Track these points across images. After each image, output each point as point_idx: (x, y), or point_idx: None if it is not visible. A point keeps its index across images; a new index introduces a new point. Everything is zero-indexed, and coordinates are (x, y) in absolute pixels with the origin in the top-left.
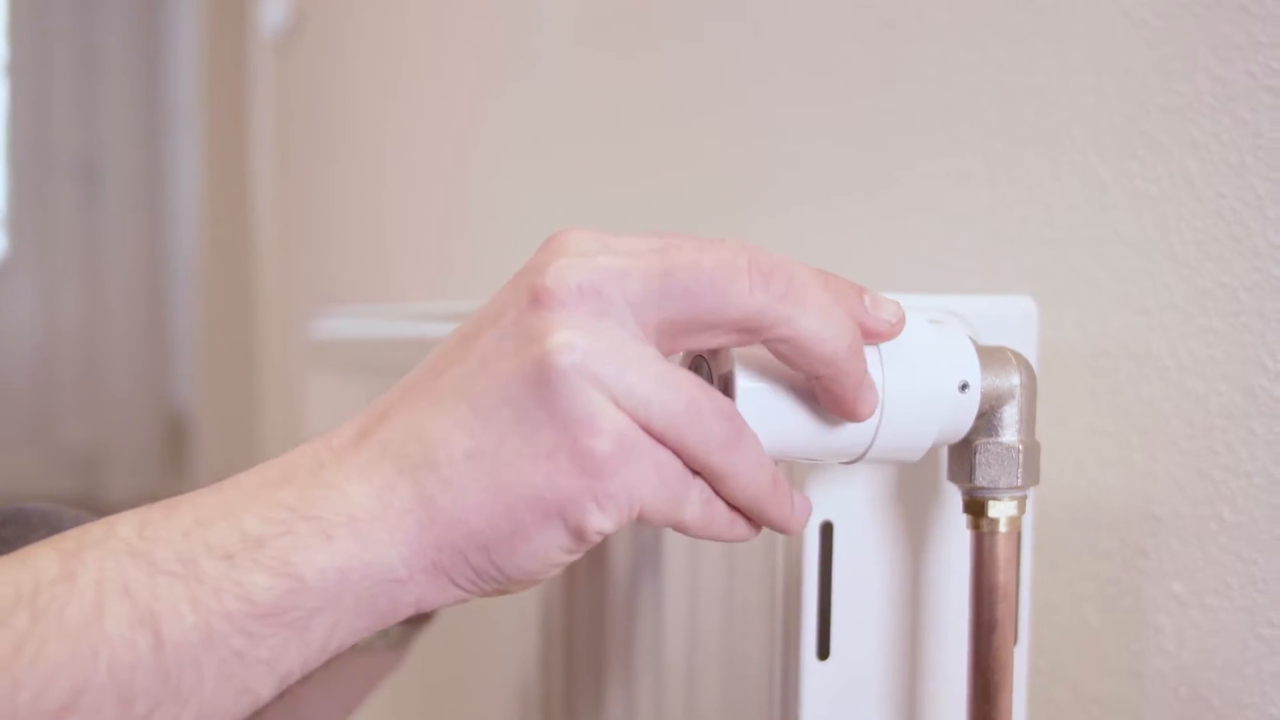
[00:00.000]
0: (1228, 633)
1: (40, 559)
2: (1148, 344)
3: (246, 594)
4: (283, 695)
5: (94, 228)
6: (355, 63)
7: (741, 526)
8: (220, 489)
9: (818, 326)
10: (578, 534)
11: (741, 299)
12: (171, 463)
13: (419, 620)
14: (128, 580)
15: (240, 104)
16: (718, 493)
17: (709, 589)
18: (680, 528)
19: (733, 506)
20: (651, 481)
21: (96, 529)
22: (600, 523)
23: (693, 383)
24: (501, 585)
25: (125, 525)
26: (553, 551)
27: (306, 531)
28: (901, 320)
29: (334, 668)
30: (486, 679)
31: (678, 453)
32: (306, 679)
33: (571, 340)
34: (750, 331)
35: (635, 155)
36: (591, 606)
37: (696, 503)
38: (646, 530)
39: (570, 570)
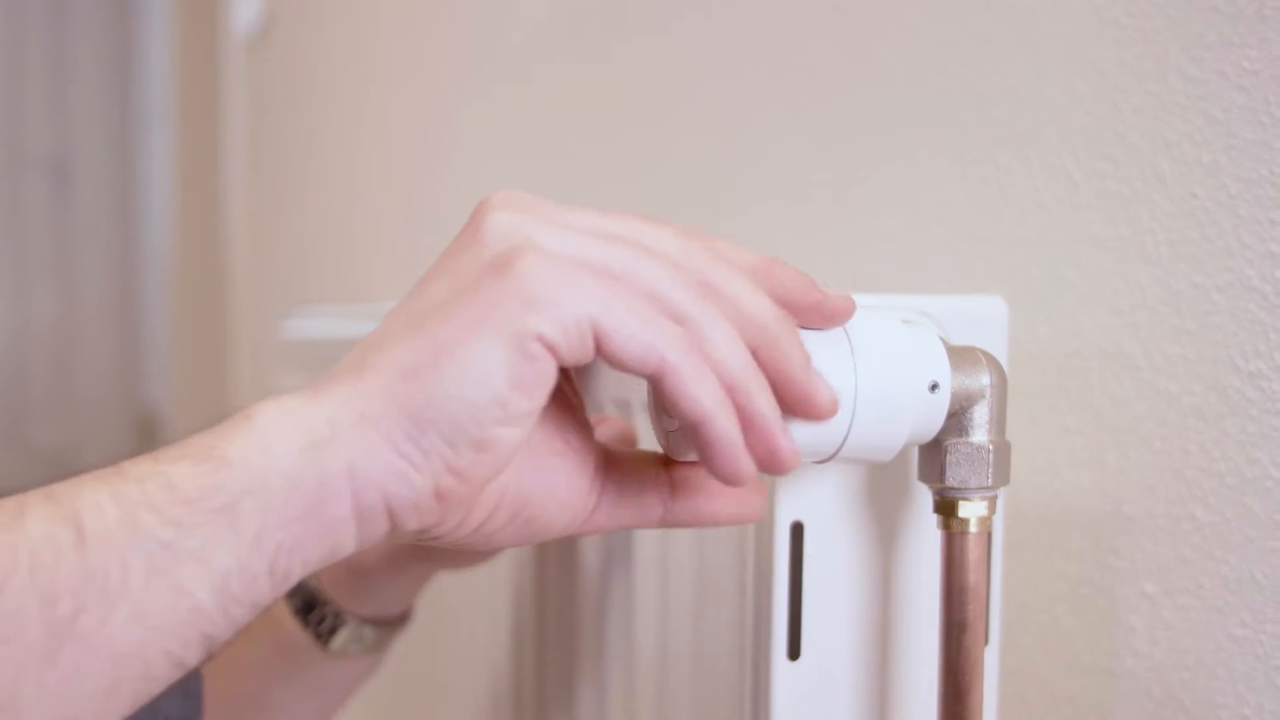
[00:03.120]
0: (1200, 633)
1: None
2: (1120, 344)
3: (170, 482)
4: (259, 703)
5: (65, 227)
6: (327, 63)
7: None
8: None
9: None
10: (515, 340)
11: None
12: None
13: (395, 623)
14: (53, 490)
15: (212, 104)
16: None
17: (680, 588)
18: (662, 375)
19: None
20: (598, 292)
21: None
22: (536, 323)
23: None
24: (448, 442)
25: (74, 483)
26: (493, 371)
27: (231, 423)
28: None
29: (311, 673)
30: (458, 678)
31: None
32: (285, 683)
33: (506, 203)
34: None
35: (605, 155)
36: (562, 606)
37: (677, 345)
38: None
39: (541, 568)
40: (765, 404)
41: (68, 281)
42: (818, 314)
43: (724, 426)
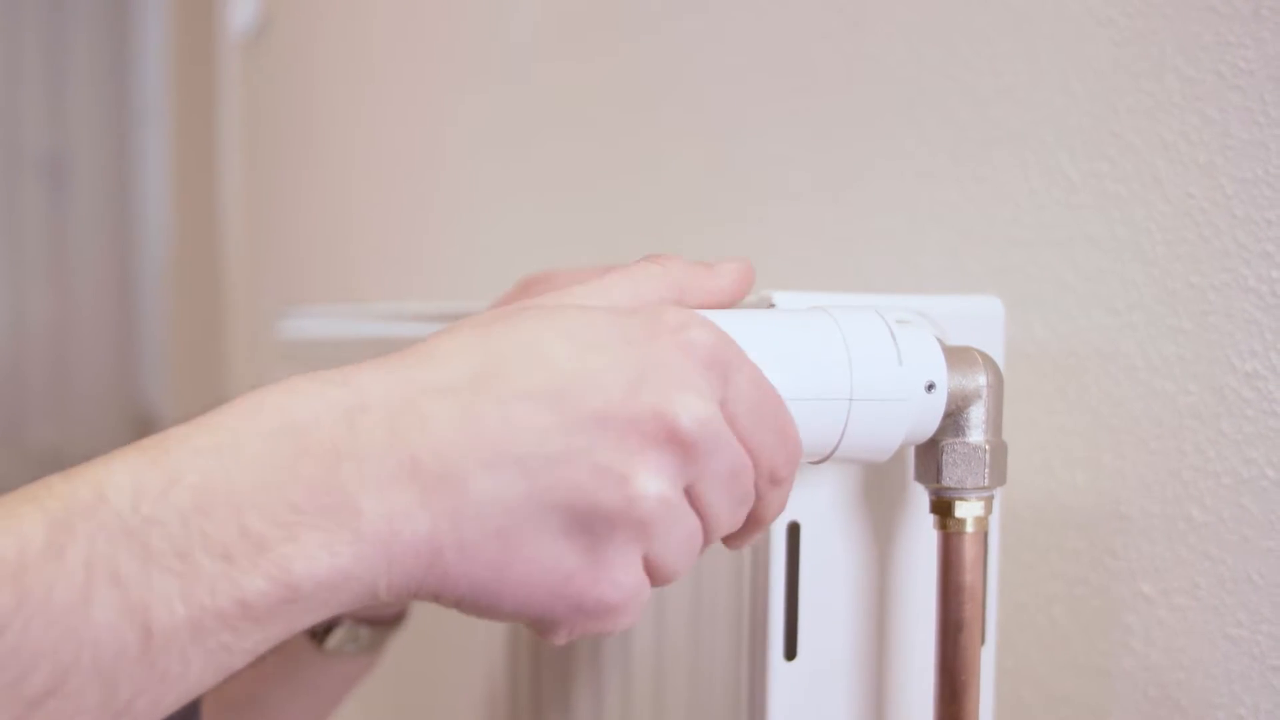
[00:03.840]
0: (1196, 633)
1: (24, 524)
2: (1116, 344)
3: (242, 597)
4: (255, 702)
5: (62, 227)
6: (323, 64)
7: None
8: (221, 453)
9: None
10: (537, 632)
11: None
12: None
13: (391, 623)
14: (119, 566)
15: (208, 104)
16: None
17: (676, 589)
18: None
19: None
20: (624, 624)
21: (85, 491)
22: (557, 640)
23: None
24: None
25: (116, 490)
26: (511, 623)
27: (311, 542)
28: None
29: (307, 673)
30: (454, 679)
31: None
32: (281, 683)
33: (659, 493)
34: None
35: (602, 156)
36: None
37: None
38: None
39: None
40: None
41: (64, 281)
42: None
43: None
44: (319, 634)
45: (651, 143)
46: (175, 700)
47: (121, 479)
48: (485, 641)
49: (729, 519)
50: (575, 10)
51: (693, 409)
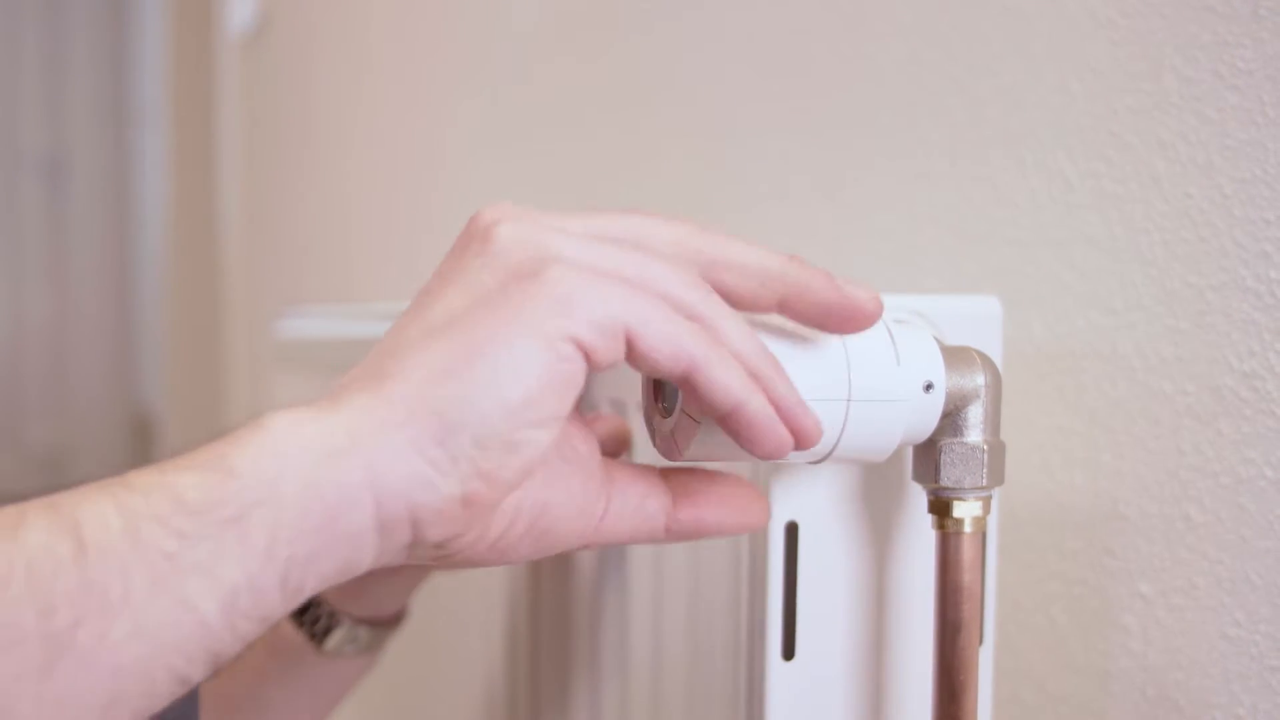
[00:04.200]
0: (1194, 633)
1: None
2: (1114, 344)
3: (176, 493)
4: (253, 703)
5: (60, 227)
6: (322, 63)
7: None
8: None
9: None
10: (549, 342)
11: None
12: (138, 463)
13: (390, 623)
14: (55, 499)
15: (207, 104)
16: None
17: (674, 589)
18: (694, 371)
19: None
20: (625, 297)
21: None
22: (571, 326)
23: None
24: (478, 444)
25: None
26: (527, 371)
27: (242, 432)
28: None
29: (305, 674)
30: (452, 679)
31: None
32: (280, 684)
33: (509, 215)
34: None
35: (598, 155)
36: (557, 606)
37: (702, 341)
38: None
39: (536, 568)
40: (784, 386)
41: (62, 282)
42: (838, 319)
43: (758, 406)
44: (318, 635)
45: (649, 142)
46: (124, 633)
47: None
48: (483, 641)
49: (664, 265)
50: (572, 10)
51: (496, 208)
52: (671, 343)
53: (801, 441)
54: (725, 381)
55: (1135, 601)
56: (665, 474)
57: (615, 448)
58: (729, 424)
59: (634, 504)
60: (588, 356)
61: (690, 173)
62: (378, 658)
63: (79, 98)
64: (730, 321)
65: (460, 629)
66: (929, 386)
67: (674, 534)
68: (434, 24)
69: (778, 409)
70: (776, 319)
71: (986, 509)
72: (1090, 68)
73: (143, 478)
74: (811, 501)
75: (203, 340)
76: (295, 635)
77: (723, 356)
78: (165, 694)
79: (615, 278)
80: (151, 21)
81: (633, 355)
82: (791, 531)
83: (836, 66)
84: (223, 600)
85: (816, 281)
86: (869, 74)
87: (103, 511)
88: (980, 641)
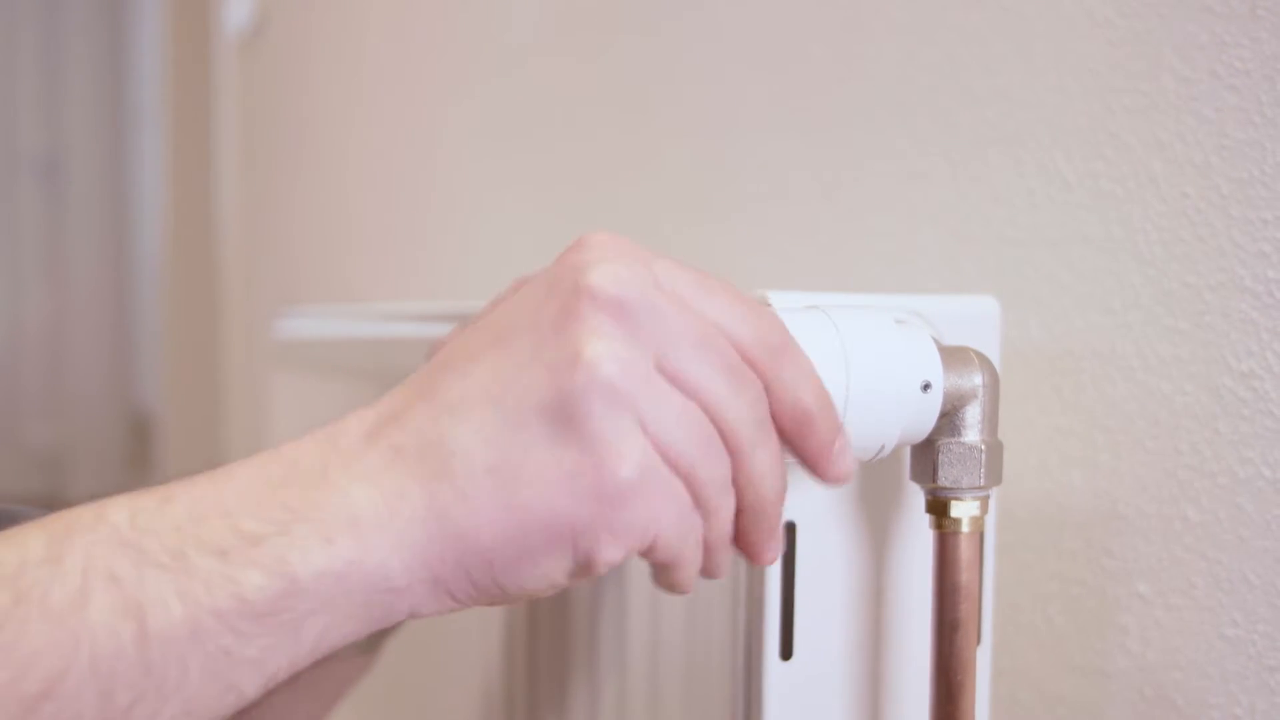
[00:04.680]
0: (1192, 633)
1: (28, 539)
2: (1112, 344)
3: (239, 591)
4: (252, 704)
5: (57, 228)
6: (319, 64)
7: (723, 564)
8: (215, 480)
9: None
10: (586, 563)
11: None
12: (136, 463)
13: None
14: (115, 568)
15: (204, 104)
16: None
17: None
18: (675, 565)
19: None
20: (669, 514)
21: (87, 514)
22: (611, 554)
23: (706, 417)
24: (497, 599)
25: (117, 512)
26: (557, 575)
27: (305, 533)
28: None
29: (303, 675)
30: (449, 677)
31: (688, 485)
32: (279, 684)
33: (611, 352)
34: None
35: (596, 155)
36: (554, 606)
37: (694, 542)
38: None
39: None
40: (775, 519)
41: (60, 282)
42: (813, 468)
43: (685, 579)
44: None
45: (647, 142)
46: (174, 713)
47: (120, 504)
48: (481, 641)
49: (728, 393)
50: (570, 9)
51: (611, 271)
52: (670, 552)
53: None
54: (681, 573)
55: (1133, 601)
56: None
57: None
58: (655, 568)
59: None
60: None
61: (688, 173)
62: (376, 659)
63: (76, 99)
64: (720, 516)
65: (459, 628)
66: (927, 386)
67: None
68: (431, 24)
69: (706, 550)
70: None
71: (984, 509)
72: (1088, 68)
73: (205, 560)
74: (809, 501)
75: (201, 340)
76: None
77: (694, 557)
78: None
79: (673, 480)
80: (149, 23)
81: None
82: (789, 531)
83: (835, 67)
84: (264, 681)
85: (830, 439)
86: (867, 74)
87: (165, 597)
88: (978, 641)
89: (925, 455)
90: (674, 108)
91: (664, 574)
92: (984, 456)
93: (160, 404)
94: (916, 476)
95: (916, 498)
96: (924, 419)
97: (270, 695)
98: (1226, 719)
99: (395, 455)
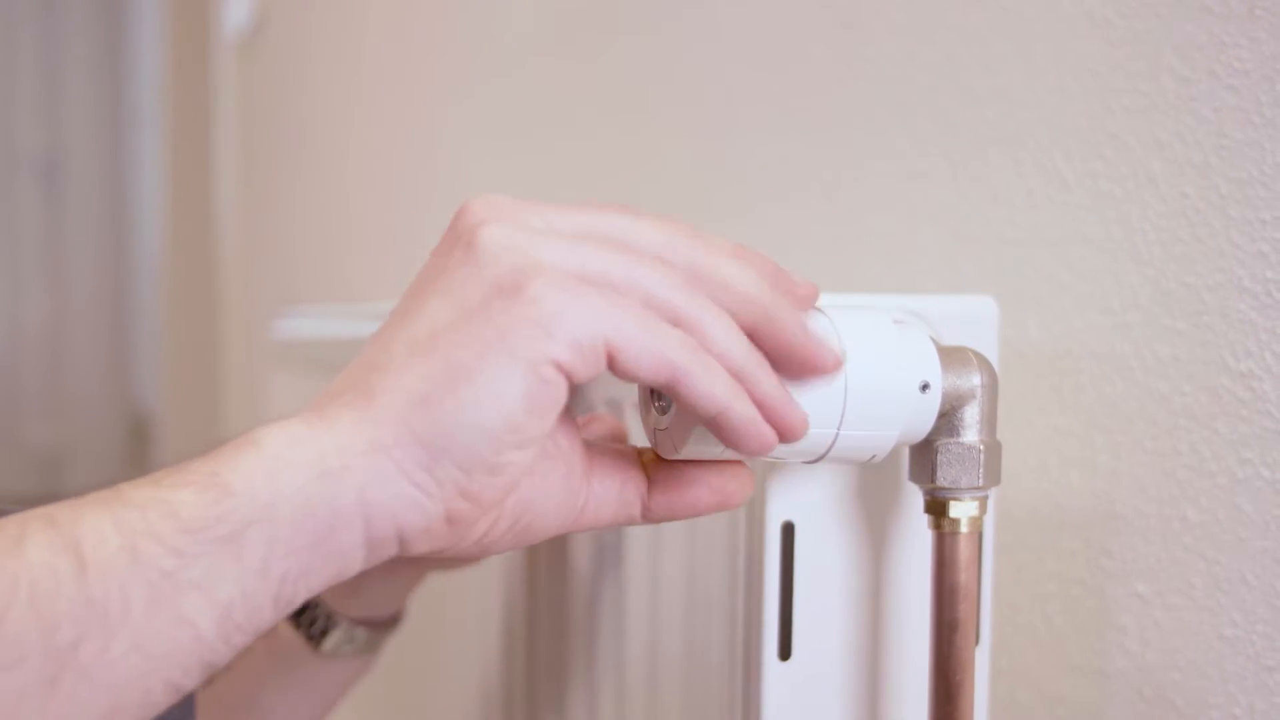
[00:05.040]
0: (1191, 633)
1: None
2: (1111, 344)
3: (172, 510)
4: (251, 705)
5: (56, 228)
6: (318, 64)
7: (774, 395)
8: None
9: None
10: (531, 366)
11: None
12: (135, 462)
13: (387, 624)
14: (52, 514)
15: (203, 105)
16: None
17: (670, 589)
18: (675, 382)
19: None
20: (606, 310)
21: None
22: (552, 347)
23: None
24: (462, 469)
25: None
26: (509, 397)
27: (234, 448)
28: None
29: (303, 675)
30: (449, 679)
31: (612, 286)
32: (277, 685)
33: (494, 214)
34: None
35: (595, 156)
36: (553, 606)
37: (683, 349)
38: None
39: (532, 568)
40: (771, 385)
41: (59, 282)
42: (795, 365)
43: (741, 411)
44: (315, 636)
45: (647, 142)
46: (123, 649)
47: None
48: (480, 641)
49: (632, 234)
50: (569, 9)
51: (483, 205)
52: (652, 355)
53: (787, 436)
54: (708, 389)
55: (1132, 601)
56: (642, 457)
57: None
58: (714, 428)
59: (614, 492)
60: (569, 376)
61: (688, 173)
62: (375, 659)
63: (75, 99)
64: (716, 323)
65: (457, 630)
66: (925, 386)
67: (650, 518)
68: (431, 24)
69: (763, 407)
70: None
71: (983, 509)
72: (1087, 68)
73: (139, 492)
74: (808, 501)
75: (199, 340)
76: (293, 637)
77: (705, 364)
78: (161, 704)
79: (598, 286)
80: (148, 23)
81: (614, 368)
82: (788, 531)
83: (834, 67)
84: (218, 615)
85: (792, 323)
86: (866, 74)
87: (101, 528)
88: (976, 641)
89: (924, 455)
90: (674, 108)
91: (707, 412)
92: (982, 457)
93: (159, 403)
94: (915, 477)
95: (915, 498)
96: (923, 419)
97: (267, 696)
98: (1225, 719)
99: (328, 402)
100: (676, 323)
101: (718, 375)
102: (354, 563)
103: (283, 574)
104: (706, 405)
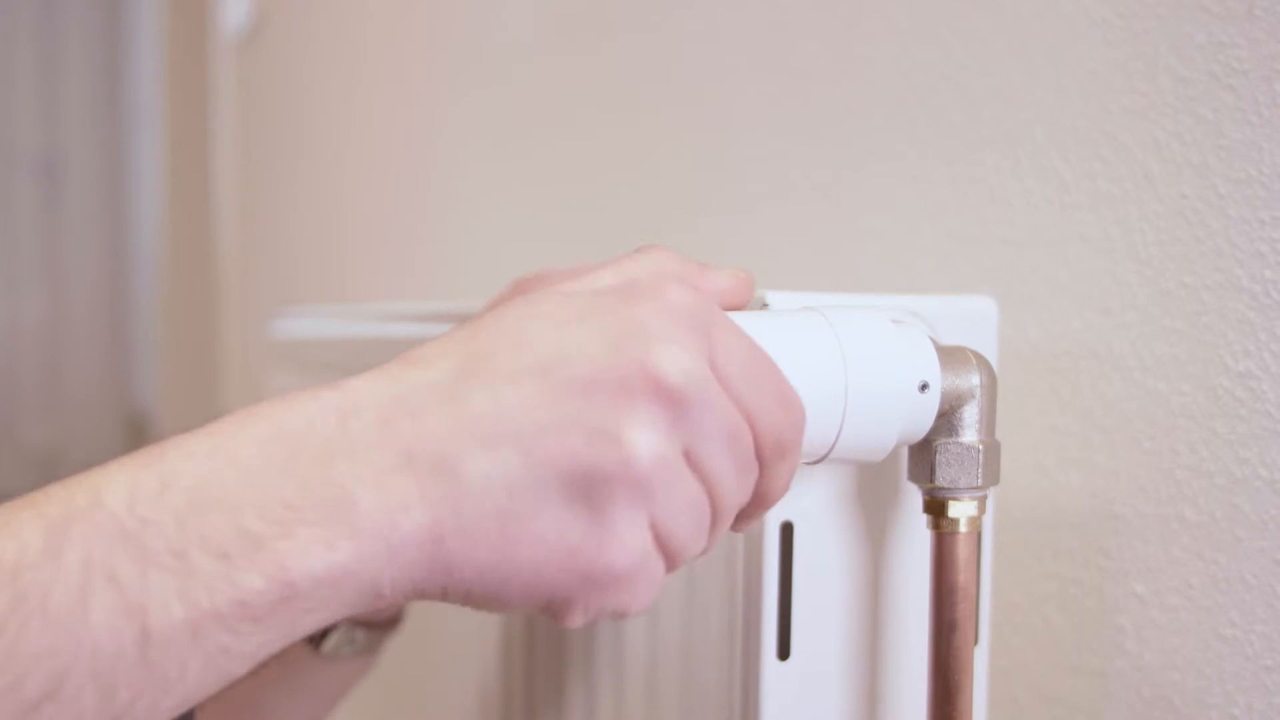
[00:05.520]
0: (1189, 633)
1: (23, 528)
2: (1110, 344)
3: (240, 595)
4: (251, 706)
5: (55, 227)
6: (316, 63)
7: None
8: (215, 458)
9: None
10: (552, 617)
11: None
12: None
13: (388, 626)
14: (116, 567)
15: (202, 104)
16: None
17: (670, 589)
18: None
19: None
20: (645, 597)
21: (81, 495)
22: (574, 622)
23: (708, 503)
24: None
25: (113, 494)
26: (519, 613)
27: (307, 538)
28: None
29: (303, 676)
30: (446, 678)
31: (669, 566)
32: (277, 686)
33: (653, 447)
34: None
35: (593, 155)
36: None
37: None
38: None
39: None
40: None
41: (57, 281)
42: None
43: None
44: (315, 637)
45: (643, 142)
46: (173, 705)
47: (118, 483)
48: (479, 642)
49: (734, 486)
50: (567, 9)
51: (678, 360)
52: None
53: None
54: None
55: (1130, 601)
56: None
57: None
58: None
59: None
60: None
61: (685, 173)
62: (375, 660)
63: (74, 98)
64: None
65: (456, 630)
66: (924, 387)
67: None
68: (429, 24)
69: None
70: (776, 317)
71: (982, 509)
72: (1085, 68)
73: (206, 563)
74: (807, 501)
75: (198, 340)
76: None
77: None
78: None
79: (663, 559)
80: (146, 22)
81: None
82: (787, 531)
83: (832, 67)
84: (254, 663)
85: (775, 497)
86: (864, 74)
87: (166, 598)
88: (975, 641)
89: (923, 455)
90: (672, 107)
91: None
92: (981, 456)
93: (157, 403)
94: (914, 477)
95: (914, 498)
96: (922, 419)
97: (267, 696)
98: (1223, 718)
99: (407, 462)
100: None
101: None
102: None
103: (312, 628)
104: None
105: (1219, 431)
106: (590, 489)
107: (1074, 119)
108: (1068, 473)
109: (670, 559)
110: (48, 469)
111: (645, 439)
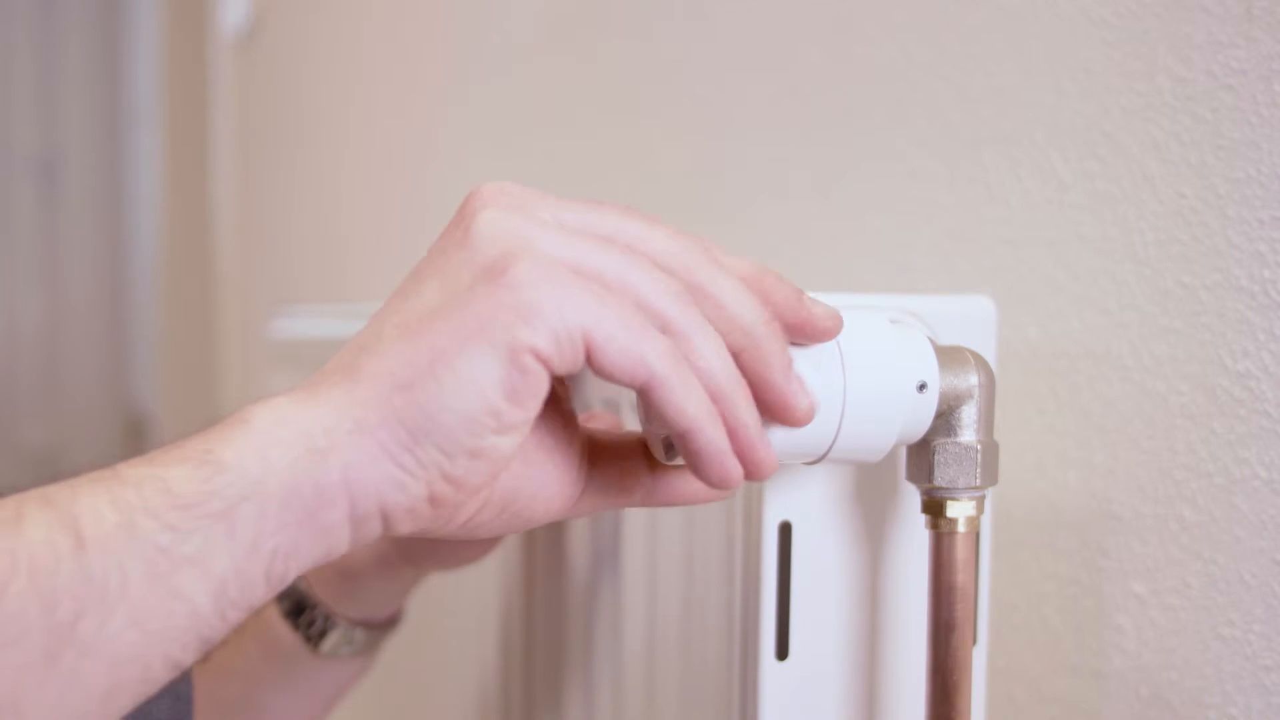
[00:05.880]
0: (1188, 633)
1: None
2: (1108, 344)
3: (167, 486)
4: (249, 706)
5: (53, 228)
6: (315, 64)
7: (750, 430)
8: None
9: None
10: (509, 354)
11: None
12: None
13: (386, 625)
14: (48, 493)
15: (200, 104)
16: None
17: (668, 589)
18: (650, 388)
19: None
20: (590, 304)
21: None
22: (530, 336)
23: (625, 219)
24: (443, 452)
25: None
26: (488, 383)
27: (227, 425)
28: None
29: (302, 676)
30: (446, 680)
31: (605, 285)
32: (276, 686)
33: (497, 199)
34: None
35: (592, 155)
36: (550, 606)
37: (664, 357)
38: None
39: (530, 568)
40: (747, 414)
41: (56, 282)
42: (802, 331)
43: (710, 436)
44: (314, 637)
45: (642, 142)
46: (121, 625)
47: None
48: (478, 642)
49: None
50: (566, 10)
51: (491, 215)
52: (630, 356)
53: (752, 474)
54: (681, 402)
55: (1129, 601)
56: (643, 443)
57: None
58: (682, 446)
59: (613, 482)
60: (548, 365)
61: (683, 173)
62: (374, 660)
63: (72, 99)
64: (703, 337)
65: (455, 630)
66: (923, 386)
67: (648, 504)
68: (427, 24)
69: (734, 436)
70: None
71: (980, 509)
72: (1084, 68)
73: (134, 470)
74: (805, 501)
75: (196, 340)
76: (291, 638)
77: (684, 376)
78: (160, 679)
79: (587, 280)
80: (145, 22)
81: (591, 364)
82: (785, 531)
83: (830, 67)
84: (213, 590)
85: (777, 360)
86: (863, 74)
87: (97, 505)
88: (974, 641)
89: (921, 455)
90: (670, 108)
91: (677, 426)
92: (980, 456)
93: (155, 403)
94: (912, 476)
95: (912, 498)
96: (920, 419)
97: (265, 696)
98: (1222, 719)
99: (318, 382)
100: (665, 330)
101: (693, 390)
102: (341, 541)
103: (273, 549)
104: (677, 419)
105: (1217, 431)
106: (457, 251)
107: (1073, 119)
108: (1066, 472)
109: (595, 274)
110: (45, 469)
111: (480, 210)
